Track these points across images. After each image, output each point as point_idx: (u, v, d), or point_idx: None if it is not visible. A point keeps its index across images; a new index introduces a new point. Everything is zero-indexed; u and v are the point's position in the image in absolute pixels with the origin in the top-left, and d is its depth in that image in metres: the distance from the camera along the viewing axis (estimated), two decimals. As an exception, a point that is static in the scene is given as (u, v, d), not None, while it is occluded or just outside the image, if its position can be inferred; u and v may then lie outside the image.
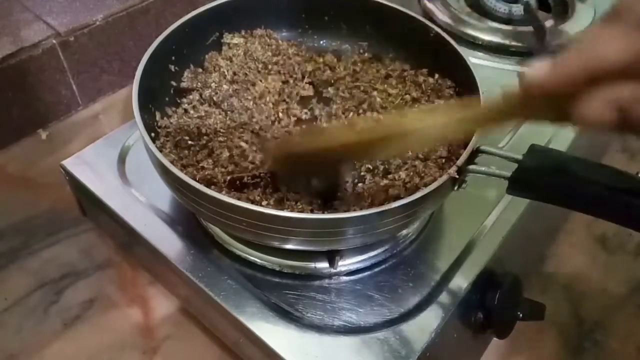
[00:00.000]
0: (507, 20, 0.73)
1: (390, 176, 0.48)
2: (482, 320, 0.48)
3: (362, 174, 0.49)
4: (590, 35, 0.27)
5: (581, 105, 0.27)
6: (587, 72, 0.26)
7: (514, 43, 0.69)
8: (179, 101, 0.53)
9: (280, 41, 0.60)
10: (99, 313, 0.53)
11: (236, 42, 0.58)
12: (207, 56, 0.57)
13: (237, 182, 0.47)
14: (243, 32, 0.59)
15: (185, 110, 0.52)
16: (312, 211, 0.45)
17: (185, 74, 0.55)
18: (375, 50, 0.60)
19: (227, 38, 0.58)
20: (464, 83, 0.51)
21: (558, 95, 0.28)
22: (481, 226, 0.51)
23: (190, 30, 0.54)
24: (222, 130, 0.50)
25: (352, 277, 0.47)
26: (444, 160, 0.48)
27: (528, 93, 0.30)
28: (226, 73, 0.55)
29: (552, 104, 0.29)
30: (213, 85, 0.54)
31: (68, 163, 0.55)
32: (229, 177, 0.46)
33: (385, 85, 0.56)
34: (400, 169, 0.48)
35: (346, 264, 0.47)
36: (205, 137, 0.50)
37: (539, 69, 0.28)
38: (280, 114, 0.53)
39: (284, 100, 0.55)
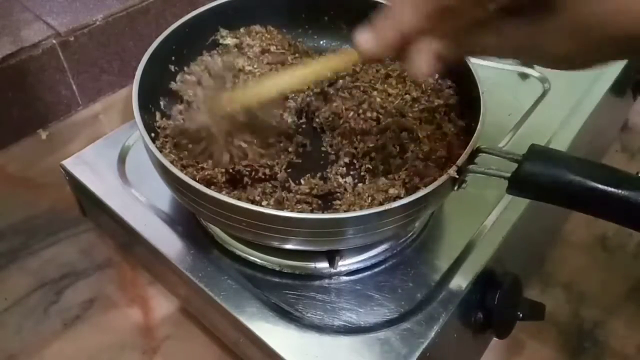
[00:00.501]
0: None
1: (390, 176, 0.48)
2: (482, 320, 0.48)
3: (362, 174, 0.50)
4: (392, 4, 0.34)
5: (410, 63, 0.35)
6: (398, 37, 0.34)
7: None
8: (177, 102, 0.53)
9: (279, 35, 0.60)
10: (99, 313, 0.53)
11: (228, 42, 0.58)
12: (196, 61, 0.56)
13: (237, 176, 0.47)
14: (242, 30, 0.59)
15: (180, 113, 0.52)
16: (312, 211, 0.45)
17: (178, 77, 0.55)
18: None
19: (223, 33, 0.58)
20: (464, 83, 0.51)
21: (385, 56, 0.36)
22: (481, 226, 0.51)
23: (190, 30, 0.54)
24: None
25: (352, 277, 0.47)
26: (444, 160, 0.48)
27: (363, 55, 0.37)
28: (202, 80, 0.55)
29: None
30: (190, 92, 0.54)
31: (68, 163, 0.55)
32: (228, 171, 0.46)
33: (385, 85, 0.56)
34: (400, 169, 0.48)
35: (346, 264, 0.47)
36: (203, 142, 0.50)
37: (362, 41, 0.36)
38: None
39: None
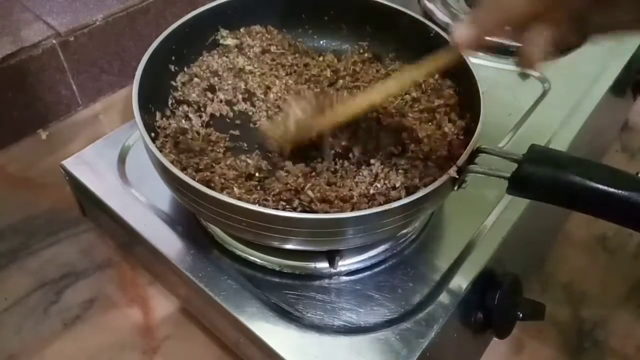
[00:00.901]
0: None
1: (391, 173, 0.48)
2: (482, 320, 0.48)
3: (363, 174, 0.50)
4: None
5: (523, 53, 0.33)
6: (503, 26, 0.32)
7: (514, 43, 0.69)
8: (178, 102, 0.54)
9: (279, 35, 0.60)
10: (99, 313, 0.53)
11: (229, 42, 0.58)
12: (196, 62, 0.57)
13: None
14: (242, 30, 0.59)
15: (187, 115, 0.52)
16: (310, 209, 0.45)
17: (179, 77, 0.55)
18: (375, 50, 0.60)
19: (223, 33, 0.58)
20: (464, 83, 0.51)
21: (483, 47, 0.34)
22: (481, 226, 0.51)
23: (190, 30, 0.54)
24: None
25: (352, 277, 0.47)
26: (444, 160, 0.48)
27: (462, 48, 0.35)
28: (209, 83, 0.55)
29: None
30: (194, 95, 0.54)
31: (68, 163, 0.55)
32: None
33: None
34: (400, 170, 0.48)
35: (346, 264, 0.47)
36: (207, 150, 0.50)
37: (460, 31, 0.34)
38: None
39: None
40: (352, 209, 0.44)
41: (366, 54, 0.60)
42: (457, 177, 0.42)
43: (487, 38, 0.34)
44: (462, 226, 0.51)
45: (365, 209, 0.41)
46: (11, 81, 0.58)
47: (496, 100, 0.60)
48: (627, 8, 0.31)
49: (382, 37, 0.59)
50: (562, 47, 0.34)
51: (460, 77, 0.51)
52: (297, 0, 0.60)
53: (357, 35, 0.60)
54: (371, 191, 0.46)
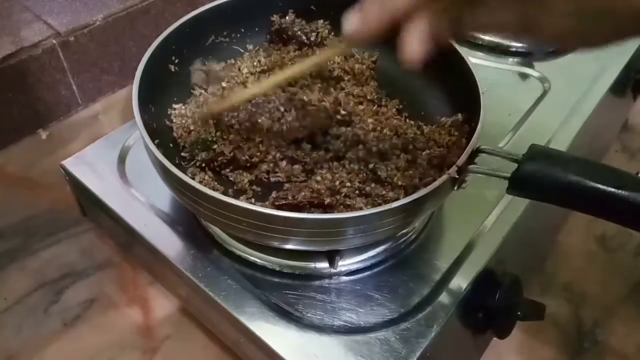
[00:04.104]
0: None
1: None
2: (482, 320, 0.48)
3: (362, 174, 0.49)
4: None
5: (401, 46, 0.33)
6: (387, 18, 0.32)
7: (513, 43, 0.69)
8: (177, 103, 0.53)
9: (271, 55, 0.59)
10: (99, 313, 0.53)
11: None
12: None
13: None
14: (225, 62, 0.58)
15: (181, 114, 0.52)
16: (311, 206, 0.45)
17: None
18: (375, 51, 0.60)
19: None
20: (464, 83, 0.51)
21: (373, 40, 0.34)
22: (481, 226, 0.51)
23: (190, 30, 0.54)
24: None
25: (352, 277, 0.47)
26: (443, 160, 0.48)
27: (351, 41, 0.37)
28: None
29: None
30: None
31: (68, 163, 0.55)
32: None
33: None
34: (400, 170, 0.48)
35: (346, 264, 0.47)
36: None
37: (349, 24, 0.35)
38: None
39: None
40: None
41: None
42: (457, 177, 0.42)
43: (376, 30, 0.34)
44: (462, 226, 0.51)
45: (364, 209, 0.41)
46: (11, 81, 0.58)
47: (496, 100, 0.60)
48: (496, 8, 0.31)
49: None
50: (440, 41, 0.32)
51: (461, 77, 0.51)
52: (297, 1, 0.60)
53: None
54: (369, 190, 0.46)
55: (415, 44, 0.32)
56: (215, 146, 0.49)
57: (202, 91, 0.55)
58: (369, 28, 0.34)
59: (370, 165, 0.48)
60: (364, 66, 0.58)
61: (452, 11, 0.32)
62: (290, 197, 0.44)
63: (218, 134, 0.50)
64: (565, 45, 0.32)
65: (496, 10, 0.31)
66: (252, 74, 0.57)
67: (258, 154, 0.49)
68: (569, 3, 0.29)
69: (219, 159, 0.48)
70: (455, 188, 0.44)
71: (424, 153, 0.49)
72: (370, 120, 0.52)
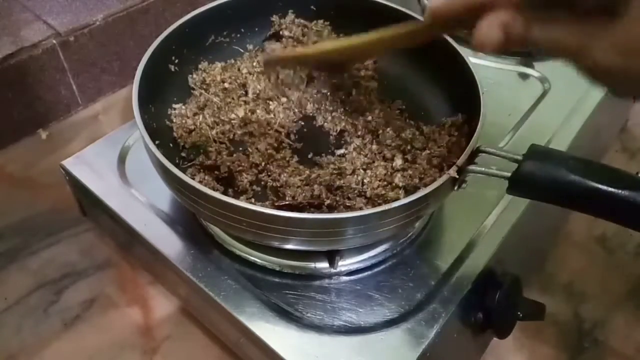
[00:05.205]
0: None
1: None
2: (482, 320, 0.48)
3: (362, 174, 0.49)
4: None
5: (475, 29, 0.33)
6: (471, 2, 0.34)
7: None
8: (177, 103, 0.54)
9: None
10: (99, 313, 0.53)
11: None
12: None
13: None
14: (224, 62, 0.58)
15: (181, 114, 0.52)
16: (311, 207, 0.45)
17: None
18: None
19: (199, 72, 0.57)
20: (464, 83, 0.51)
21: (455, 18, 0.36)
22: (481, 226, 0.51)
23: (190, 30, 0.54)
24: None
25: (352, 277, 0.47)
26: (443, 160, 0.48)
27: (434, 18, 0.37)
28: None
29: (453, 25, 0.39)
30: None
31: (68, 163, 0.55)
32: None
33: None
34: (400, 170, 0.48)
35: (346, 264, 0.47)
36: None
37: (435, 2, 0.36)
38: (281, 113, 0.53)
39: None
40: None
41: None
42: (457, 177, 0.42)
43: (460, 11, 0.35)
44: (462, 226, 0.51)
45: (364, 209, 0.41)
46: (11, 81, 0.58)
47: (496, 100, 0.60)
48: (558, 26, 0.32)
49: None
50: (510, 39, 0.33)
51: (461, 78, 0.51)
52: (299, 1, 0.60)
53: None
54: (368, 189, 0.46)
55: (493, 31, 0.33)
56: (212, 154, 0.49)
57: (202, 91, 0.55)
58: (453, 5, 0.35)
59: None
60: (364, 66, 0.58)
61: (527, 14, 0.33)
62: (290, 198, 0.44)
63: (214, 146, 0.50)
64: (610, 85, 0.32)
65: (560, 28, 0.32)
66: (251, 74, 0.57)
67: (255, 164, 0.49)
68: (619, 39, 0.30)
69: (215, 172, 0.48)
70: (455, 188, 0.44)
71: (424, 153, 0.49)
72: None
